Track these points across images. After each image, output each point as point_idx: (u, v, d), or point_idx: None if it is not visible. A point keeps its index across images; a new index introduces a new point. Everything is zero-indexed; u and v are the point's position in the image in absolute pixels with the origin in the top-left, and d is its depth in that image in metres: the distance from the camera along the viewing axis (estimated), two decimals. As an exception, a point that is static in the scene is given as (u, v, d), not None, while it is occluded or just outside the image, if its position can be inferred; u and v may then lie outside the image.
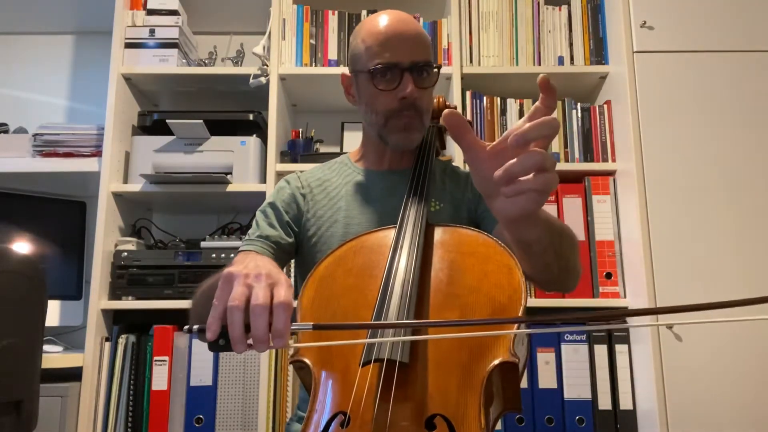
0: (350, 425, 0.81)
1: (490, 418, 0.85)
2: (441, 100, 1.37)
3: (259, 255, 0.83)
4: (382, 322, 0.86)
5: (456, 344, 0.88)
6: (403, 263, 0.96)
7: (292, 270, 1.90)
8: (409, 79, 1.14)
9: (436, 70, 1.18)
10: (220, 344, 0.73)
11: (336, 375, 0.88)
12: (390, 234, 1.05)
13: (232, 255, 1.80)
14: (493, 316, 0.90)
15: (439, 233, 1.04)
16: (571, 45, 2.11)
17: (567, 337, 1.85)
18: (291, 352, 0.94)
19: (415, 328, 0.89)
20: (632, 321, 1.77)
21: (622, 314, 0.63)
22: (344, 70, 2.03)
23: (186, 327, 0.75)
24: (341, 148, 2.28)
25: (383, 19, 1.16)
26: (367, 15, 2.13)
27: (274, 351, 1.84)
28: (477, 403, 0.81)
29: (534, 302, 1.88)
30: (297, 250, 1.24)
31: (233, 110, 2.12)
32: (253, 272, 0.77)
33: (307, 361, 0.90)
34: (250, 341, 0.73)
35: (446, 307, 0.92)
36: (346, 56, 2.11)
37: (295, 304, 0.88)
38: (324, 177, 1.28)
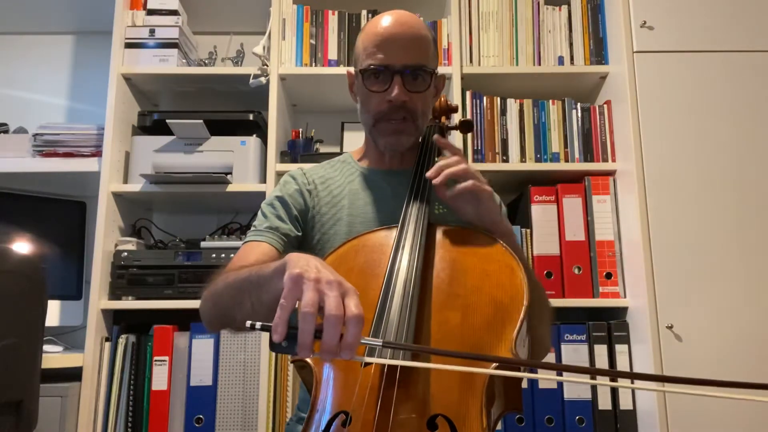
0: (351, 425, 0.81)
1: (491, 418, 0.85)
2: (443, 99, 1.38)
3: (311, 256, 0.81)
4: (412, 345, 0.85)
5: (458, 345, 0.88)
6: (405, 263, 0.96)
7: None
8: (398, 82, 1.13)
9: (430, 74, 1.17)
10: (283, 346, 0.72)
11: (338, 374, 0.88)
12: (392, 233, 1.05)
13: (232, 255, 1.80)
14: (494, 316, 0.90)
15: (440, 233, 1.05)
16: (571, 45, 2.11)
17: (567, 337, 1.85)
18: (290, 356, 0.94)
19: (415, 337, 0.88)
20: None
21: (626, 375, 0.64)
22: (344, 70, 2.04)
23: (249, 322, 0.72)
24: (341, 148, 2.28)
25: (385, 21, 1.16)
26: (367, 15, 2.14)
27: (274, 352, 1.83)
28: (479, 403, 0.81)
29: (534, 302, 1.87)
30: (300, 246, 1.24)
31: (233, 110, 2.12)
32: (324, 278, 0.75)
33: (308, 360, 0.90)
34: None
35: (448, 306, 0.92)
36: (346, 56, 2.11)
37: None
38: (327, 175, 1.28)
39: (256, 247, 1.14)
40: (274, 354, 1.84)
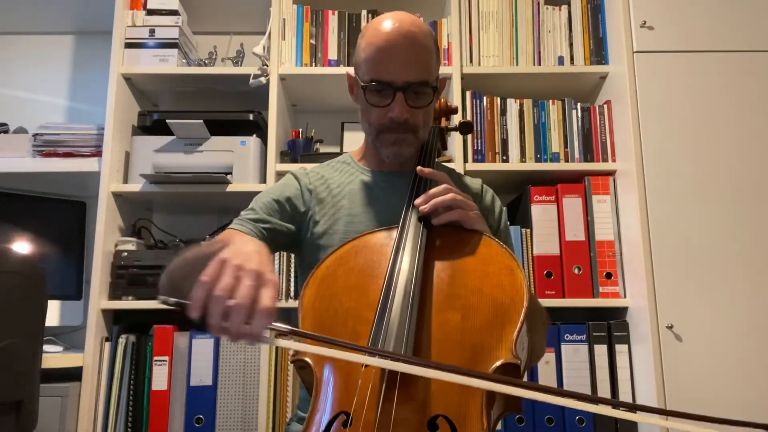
0: (352, 425, 0.81)
1: (491, 418, 0.85)
2: (443, 100, 1.38)
3: (256, 242, 0.84)
4: (378, 349, 0.85)
5: (458, 346, 0.88)
6: (406, 263, 0.96)
7: (293, 267, 1.90)
8: (400, 99, 1.13)
9: (433, 88, 1.16)
10: (197, 323, 0.75)
11: (338, 375, 0.88)
12: (392, 234, 1.05)
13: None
14: (494, 317, 0.90)
15: (440, 234, 1.05)
16: (571, 45, 2.11)
17: (567, 337, 1.85)
18: (291, 352, 0.94)
19: (416, 337, 0.88)
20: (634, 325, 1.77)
21: (629, 405, 0.65)
22: (344, 70, 2.04)
23: (162, 297, 0.76)
24: (341, 148, 2.28)
25: (387, 29, 1.13)
26: (367, 15, 2.14)
27: (274, 351, 1.84)
28: (479, 404, 0.81)
29: (534, 302, 1.87)
30: (299, 245, 1.25)
31: (233, 110, 2.12)
32: (247, 265, 0.77)
33: (308, 360, 0.90)
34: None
35: (448, 307, 0.92)
36: (346, 56, 2.11)
37: (295, 303, 0.88)
38: (327, 175, 1.28)
39: (234, 235, 1.15)
40: (274, 354, 1.84)
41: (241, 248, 0.81)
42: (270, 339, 0.76)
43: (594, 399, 0.69)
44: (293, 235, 1.23)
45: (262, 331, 0.74)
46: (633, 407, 0.60)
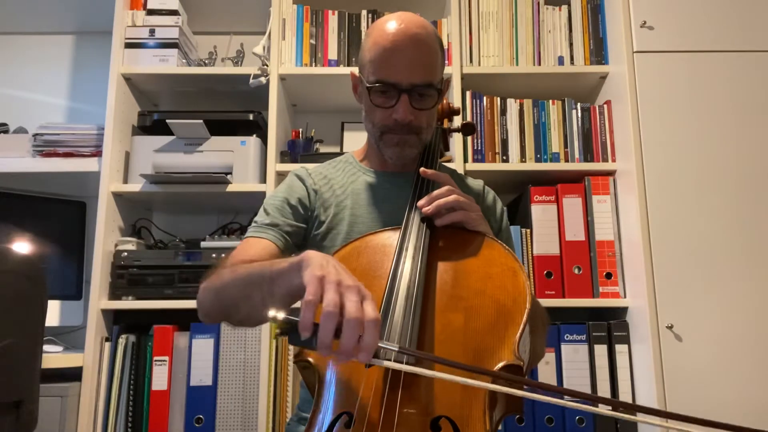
0: (355, 426, 0.81)
1: (494, 420, 0.85)
2: (445, 101, 1.38)
3: (328, 256, 0.83)
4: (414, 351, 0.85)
5: (461, 347, 0.88)
6: (409, 265, 0.96)
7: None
8: (405, 101, 1.13)
9: (438, 90, 1.16)
10: (303, 341, 0.74)
11: (341, 375, 0.88)
12: (395, 235, 1.05)
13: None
14: (497, 318, 0.90)
15: (443, 236, 1.05)
16: (571, 45, 2.11)
17: (567, 337, 1.85)
18: (296, 351, 0.94)
19: (418, 338, 0.88)
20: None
21: (630, 406, 0.65)
22: (344, 70, 2.04)
23: (272, 313, 0.74)
24: (341, 148, 2.28)
25: (393, 30, 1.12)
26: (367, 15, 2.14)
27: (274, 351, 1.84)
28: (482, 404, 0.81)
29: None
30: (303, 245, 1.25)
31: (233, 110, 2.12)
32: (344, 281, 0.77)
33: (311, 360, 0.90)
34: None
35: (451, 308, 0.92)
36: (346, 56, 2.11)
37: (298, 304, 0.88)
38: (330, 175, 1.28)
39: (257, 243, 1.15)
40: (274, 354, 1.84)
41: (327, 265, 0.80)
42: (380, 360, 0.76)
43: (598, 399, 0.69)
44: (304, 234, 1.23)
45: (375, 344, 0.73)
46: (635, 408, 0.60)
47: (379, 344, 0.74)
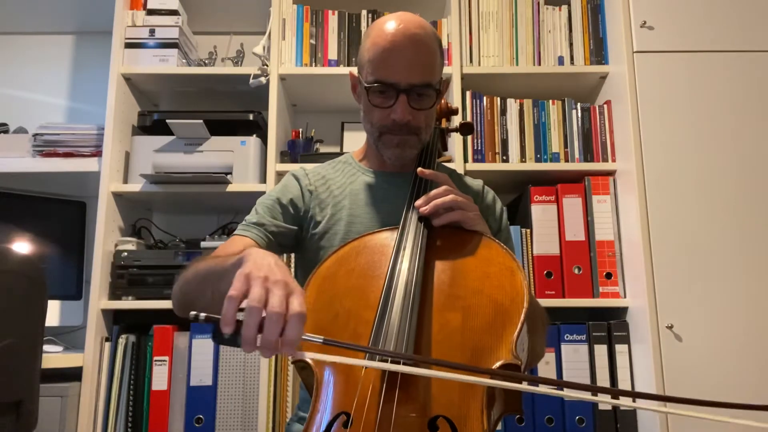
0: (353, 426, 0.81)
1: (491, 419, 0.85)
2: (443, 101, 1.38)
3: (273, 255, 0.83)
4: (390, 351, 0.85)
5: (458, 346, 0.88)
6: (406, 264, 0.96)
7: (293, 266, 1.90)
8: (403, 101, 1.12)
9: (436, 90, 1.16)
10: (226, 338, 0.74)
11: (339, 376, 0.88)
12: (392, 235, 1.05)
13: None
14: (495, 318, 0.90)
15: (441, 235, 1.05)
16: (571, 45, 2.11)
17: (567, 337, 1.85)
18: (290, 358, 0.94)
19: (416, 338, 0.88)
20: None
21: (629, 394, 0.65)
22: (344, 70, 2.04)
23: (193, 313, 0.74)
24: (341, 148, 2.28)
25: (392, 30, 1.12)
26: (367, 15, 2.14)
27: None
28: (479, 404, 0.81)
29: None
30: (299, 245, 1.25)
31: (233, 110, 2.12)
32: (272, 276, 0.77)
33: (309, 361, 0.90)
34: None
35: (449, 308, 0.92)
36: (346, 56, 2.11)
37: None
38: (328, 175, 1.28)
39: (240, 241, 1.16)
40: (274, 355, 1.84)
41: (260, 262, 0.80)
42: (302, 352, 0.76)
43: (593, 389, 0.69)
44: (294, 236, 1.23)
45: (298, 338, 0.73)
46: (633, 395, 0.60)
47: (303, 337, 0.74)
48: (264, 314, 0.73)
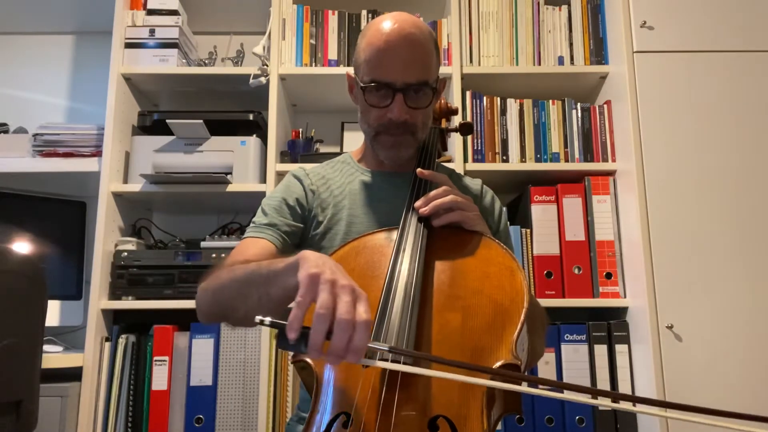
0: (352, 426, 0.81)
1: (491, 419, 0.85)
2: (443, 101, 1.38)
3: (324, 256, 0.83)
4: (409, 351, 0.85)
5: (458, 346, 0.88)
6: (406, 264, 0.96)
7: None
8: (400, 100, 1.12)
9: (432, 89, 1.16)
10: (292, 344, 0.73)
11: (339, 376, 0.88)
12: (392, 235, 1.05)
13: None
14: (495, 318, 0.90)
15: (441, 235, 1.05)
16: (571, 45, 2.11)
17: (567, 337, 1.85)
18: (290, 358, 0.94)
19: (416, 338, 0.88)
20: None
21: (629, 398, 0.65)
22: (344, 70, 2.04)
23: (259, 318, 0.73)
24: (341, 148, 2.28)
25: (387, 30, 1.12)
26: (367, 15, 2.14)
27: (274, 352, 1.84)
28: (479, 404, 0.81)
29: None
30: (299, 245, 1.25)
31: (233, 110, 2.12)
32: (339, 281, 0.76)
33: (309, 361, 0.90)
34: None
35: (449, 308, 0.92)
36: (346, 56, 2.11)
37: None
38: (327, 176, 1.28)
39: (255, 243, 1.15)
40: (274, 354, 1.84)
41: (322, 265, 0.79)
42: (372, 360, 0.75)
43: (595, 392, 0.69)
44: (301, 234, 1.23)
45: (365, 345, 0.73)
46: (633, 399, 0.61)
47: (369, 345, 0.73)
48: (332, 321, 0.72)
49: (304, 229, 1.23)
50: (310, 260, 0.80)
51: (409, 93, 1.13)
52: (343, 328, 0.71)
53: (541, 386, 0.78)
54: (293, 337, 0.72)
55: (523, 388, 0.75)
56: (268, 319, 0.73)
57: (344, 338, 0.71)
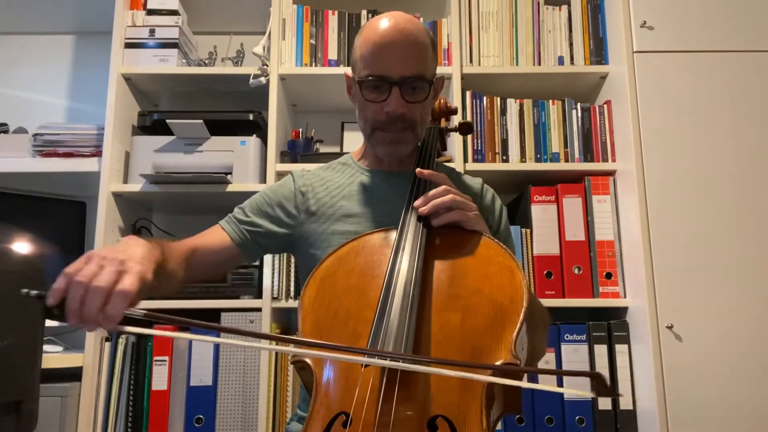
0: (352, 425, 0.81)
1: (491, 418, 0.85)
2: (442, 101, 1.38)
3: (147, 246, 0.85)
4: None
5: (458, 346, 0.88)
6: (406, 264, 0.96)
7: (293, 267, 1.90)
8: (396, 93, 1.13)
9: (429, 83, 1.16)
10: (55, 313, 0.75)
11: (338, 375, 0.88)
12: (392, 235, 1.05)
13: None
14: (494, 318, 0.90)
15: (440, 235, 1.05)
16: (571, 45, 2.11)
17: (567, 337, 1.85)
18: (290, 358, 0.94)
19: (415, 337, 0.88)
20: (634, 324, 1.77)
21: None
22: (344, 70, 2.04)
23: (25, 290, 0.76)
24: (341, 148, 2.28)
25: (382, 27, 1.13)
26: (367, 15, 2.14)
27: (274, 352, 1.84)
28: (479, 404, 0.81)
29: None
30: (295, 247, 1.25)
31: (233, 110, 2.12)
32: (111, 255, 0.79)
33: (308, 361, 0.90)
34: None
35: (448, 308, 0.92)
36: (346, 56, 2.11)
37: (296, 303, 0.88)
38: (327, 177, 1.29)
39: (214, 231, 1.23)
40: (274, 354, 1.84)
41: (120, 247, 0.82)
42: (123, 327, 0.77)
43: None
44: (283, 238, 1.24)
45: (117, 314, 0.74)
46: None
47: (126, 312, 0.75)
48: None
49: (290, 233, 1.24)
50: (119, 242, 0.84)
51: (406, 87, 1.13)
52: (93, 293, 0.74)
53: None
54: (51, 303, 0.75)
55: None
56: (34, 291, 0.76)
57: (93, 304, 0.73)
